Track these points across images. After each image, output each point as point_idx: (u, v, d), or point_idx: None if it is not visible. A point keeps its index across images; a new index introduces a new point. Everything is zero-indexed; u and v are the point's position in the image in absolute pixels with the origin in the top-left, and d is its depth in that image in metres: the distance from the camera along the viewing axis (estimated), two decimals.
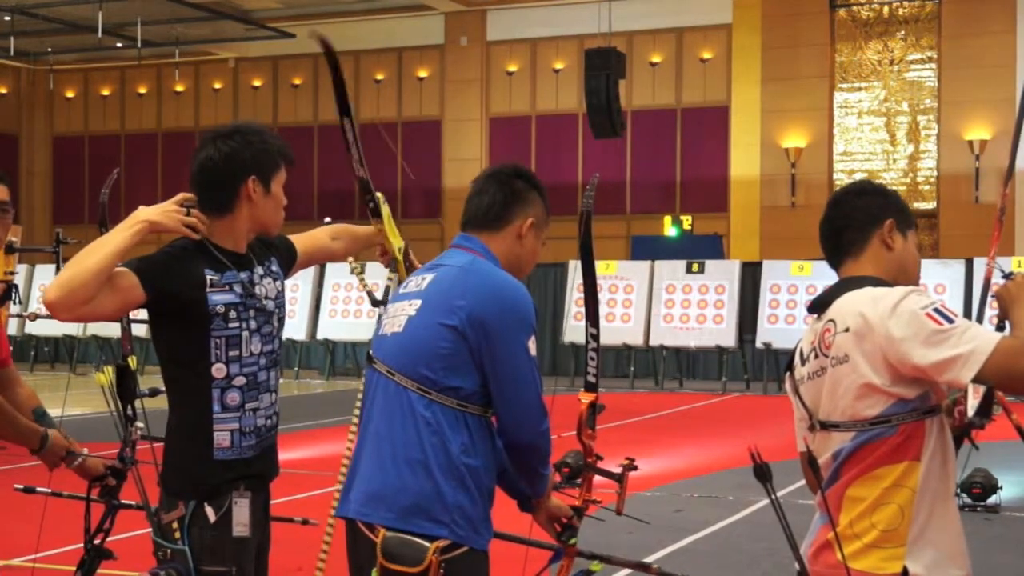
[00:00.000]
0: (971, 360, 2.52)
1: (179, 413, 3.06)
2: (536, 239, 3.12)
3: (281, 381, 3.16)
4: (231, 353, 3.04)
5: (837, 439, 2.71)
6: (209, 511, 3.00)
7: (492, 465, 2.94)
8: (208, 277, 3.05)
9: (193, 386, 3.03)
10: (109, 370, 3.51)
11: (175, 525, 2.99)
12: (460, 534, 2.84)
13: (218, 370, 3.03)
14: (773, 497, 2.44)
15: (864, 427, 2.65)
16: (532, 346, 2.92)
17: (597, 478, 3.20)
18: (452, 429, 2.86)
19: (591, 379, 3.05)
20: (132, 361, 3.59)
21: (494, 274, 2.96)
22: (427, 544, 2.79)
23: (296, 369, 19.42)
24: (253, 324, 3.09)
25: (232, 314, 3.06)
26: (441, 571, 2.78)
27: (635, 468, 3.36)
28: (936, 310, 2.58)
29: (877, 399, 2.63)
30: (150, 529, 3.11)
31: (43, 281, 21.17)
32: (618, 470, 3.26)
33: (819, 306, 2.82)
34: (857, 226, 2.84)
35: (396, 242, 3.53)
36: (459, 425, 2.86)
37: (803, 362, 2.81)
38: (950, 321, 2.57)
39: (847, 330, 2.67)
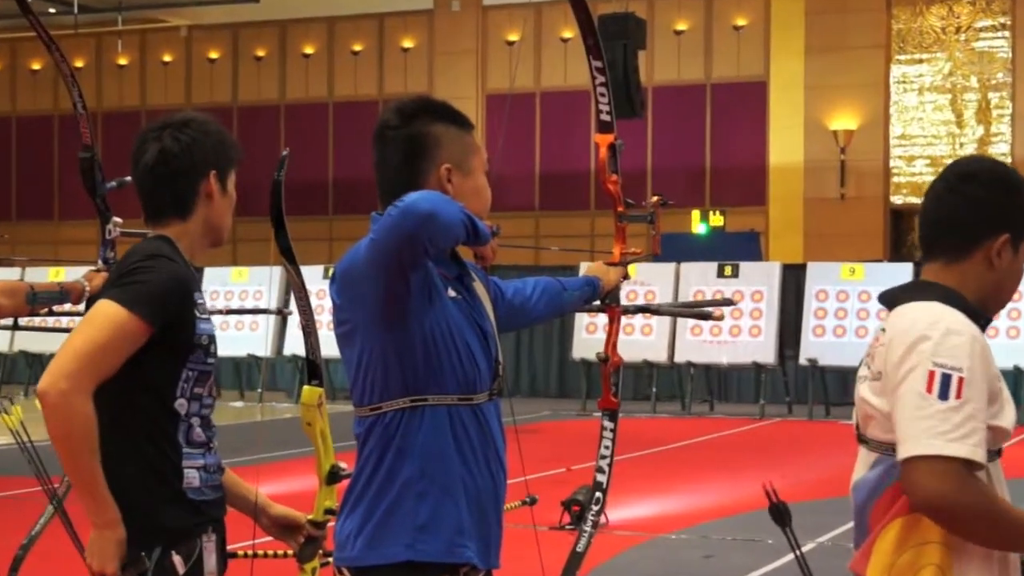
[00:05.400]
0: (913, 445, 2.54)
1: (136, 447, 3.04)
2: (467, 175, 3.03)
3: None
4: (196, 390, 3.08)
5: (864, 458, 2.75)
6: (177, 560, 3.00)
7: (453, 459, 2.93)
8: (196, 300, 3.09)
9: (160, 417, 3.04)
10: (18, 410, 3.54)
11: None
12: (424, 549, 2.88)
13: (180, 406, 3.06)
14: (797, 551, 2.41)
15: (888, 452, 2.67)
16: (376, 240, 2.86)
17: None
18: (393, 439, 2.91)
19: (605, 117, 3.23)
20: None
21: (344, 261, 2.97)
22: None
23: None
24: (216, 360, 3.15)
25: (212, 348, 3.11)
26: None
27: (667, 204, 3.78)
28: (945, 375, 2.57)
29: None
30: None
31: None
32: (648, 212, 3.63)
33: (887, 301, 2.82)
34: (962, 232, 2.75)
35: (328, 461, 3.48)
36: (400, 429, 2.91)
37: (862, 365, 2.82)
38: (944, 398, 2.56)
39: (884, 346, 2.70)
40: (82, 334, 2.92)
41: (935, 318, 2.66)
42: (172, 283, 3.02)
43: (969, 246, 2.76)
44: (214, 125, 3.19)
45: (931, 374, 2.58)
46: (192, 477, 3.05)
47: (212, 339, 3.10)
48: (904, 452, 2.56)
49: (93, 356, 2.89)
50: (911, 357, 2.61)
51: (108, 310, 2.94)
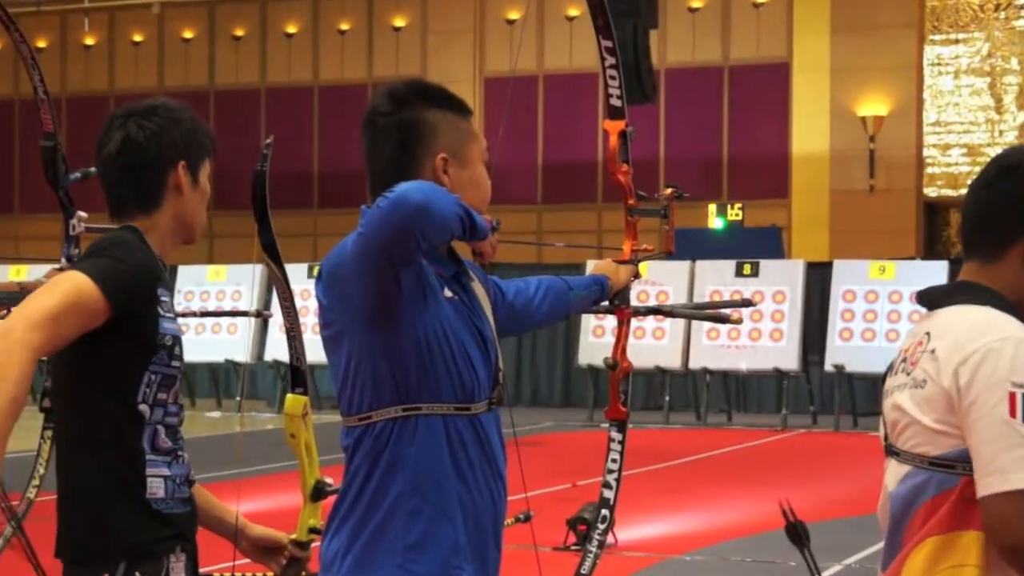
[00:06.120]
0: (1003, 480, 2.53)
1: (96, 451, 3.05)
2: (464, 165, 3.05)
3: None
4: (159, 395, 3.07)
5: (894, 472, 2.74)
6: None
7: (448, 474, 2.95)
8: (160, 296, 3.08)
9: (121, 419, 3.04)
10: None
11: None
12: (416, 571, 2.89)
13: (142, 410, 3.06)
14: (814, 571, 2.42)
15: (922, 464, 2.67)
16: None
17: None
18: (383, 452, 2.92)
19: (615, 102, 3.29)
20: None
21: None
22: None
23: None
24: (181, 364, 3.14)
25: (176, 350, 3.10)
26: None
27: (681, 196, 3.87)
28: None
29: (938, 439, 2.65)
30: None
31: None
32: (661, 206, 3.74)
33: (928, 301, 2.81)
34: (996, 230, 2.75)
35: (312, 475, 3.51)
36: (391, 441, 2.92)
37: (893, 371, 2.81)
38: None
39: (934, 352, 2.68)
40: (48, 295, 2.92)
41: (999, 328, 2.65)
42: (142, 270, 3.03)
43: (1003, 245, 2.75)
44: (185, 112, 3.19)
45: (1012, 396, 2.57)
46: (156, 486, 3.04)
47: (177, 340, 3.10)
48: (996, 486, 2.54)
49: (58, 319, 2.88)
50: (983, 375, 2.60)
51: (77, 279, 2.95)
